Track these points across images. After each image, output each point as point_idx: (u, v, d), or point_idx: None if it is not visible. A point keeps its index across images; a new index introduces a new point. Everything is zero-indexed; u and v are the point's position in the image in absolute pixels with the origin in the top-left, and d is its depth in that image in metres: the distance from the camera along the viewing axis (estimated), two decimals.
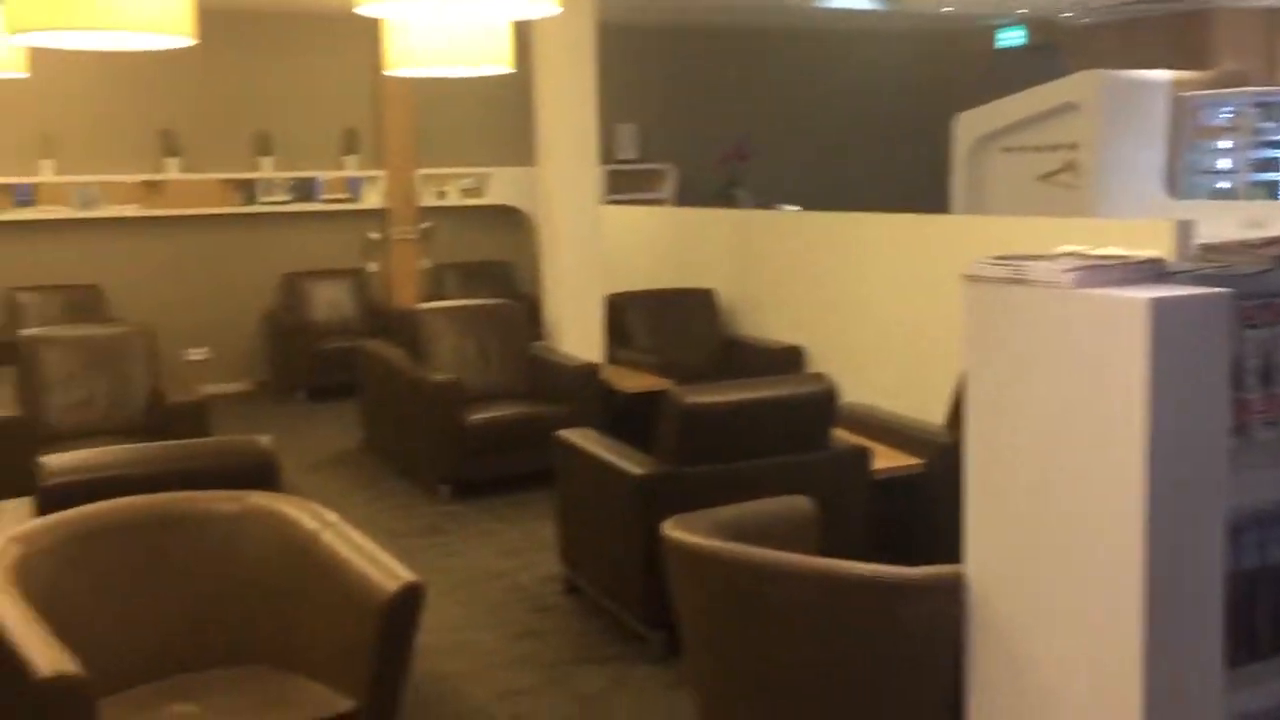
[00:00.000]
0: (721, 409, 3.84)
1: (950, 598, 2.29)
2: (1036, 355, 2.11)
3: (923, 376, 5.63)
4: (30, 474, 3.25)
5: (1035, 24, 10.54)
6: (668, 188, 10.26)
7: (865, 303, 6.36)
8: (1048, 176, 8.57)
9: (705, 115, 10.36)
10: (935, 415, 4.54)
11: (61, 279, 8.18)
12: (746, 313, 7.36)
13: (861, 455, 4.09)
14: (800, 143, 10.67)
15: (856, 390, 5.08)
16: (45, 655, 2.23)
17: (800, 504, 3.04)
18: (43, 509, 3.02)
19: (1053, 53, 10.51)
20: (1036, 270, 2.09)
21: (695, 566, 2.63)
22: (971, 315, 2.23)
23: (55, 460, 3.16)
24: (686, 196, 10.02)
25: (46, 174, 8.23)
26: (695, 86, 10.34)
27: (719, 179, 10.04)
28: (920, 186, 9.31)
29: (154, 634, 2.85)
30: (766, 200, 9.46)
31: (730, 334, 7.31)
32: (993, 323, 2.19)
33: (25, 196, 8.26)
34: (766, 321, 7.18)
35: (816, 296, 6.76)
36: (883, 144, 10.72)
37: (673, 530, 2.68)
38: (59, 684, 2.19)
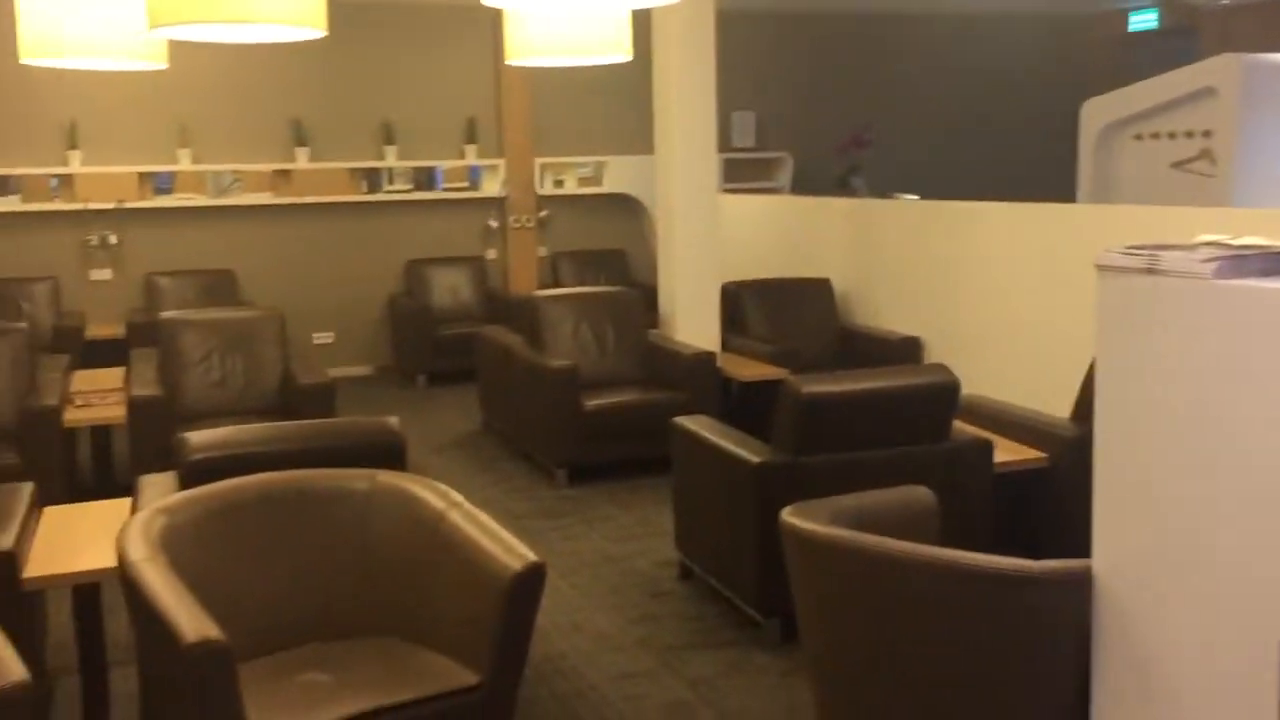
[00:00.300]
0: (840, 399, 3.82)
1: (1075, 592, 2.25)
2: (1172, 348, 2.05)
3: (1045, 369, 5.52)
4: (169, 450, 3.40)
5: (1170, 6, 10.18)
6: (784, 176, 10.20)
7: (986, 294, 6.25)
8: (1181, 164, 8.28)
9: (823, 103, 10.27)
10: (1058, 409, 4.45)
11: (197, 264, 8.52)
12: (863, 303, 7.30)
13: (984, 448, 4.03)
14: (920, 130, 10.50)
15: (977, 382, 5.00)
16: (191, 622, 2.34)
17: (921, 494, 3.01)
18: (185, 483, 3.16)
19: (1189, 36, 10.14)
20: (1173, 260, 2.03)
21: (814, 555, 2.63)
22: (1103, 307, 2.18)
23: (196, 437, 3.31)
24: (803, 185, 9.95)
25: (184, 163, 8.57)
26: (813, 73, 10.26)
27: (836, 167, 9.94)
28: (1045, 175, 9.08)
29: (288, 604, 2.96)
30: (884, 189, 9.34)
31: (847, 324, 7.25)
32: (1125, 314, 2.14)
33: (165, 184, 8.62)
34: (884, 312, 7.10)
35: (936, 287, 6.66)
36: (1006, 131, 10.49)
37: (792, 518, 2.68)
38: (203, 649, 2.29)
